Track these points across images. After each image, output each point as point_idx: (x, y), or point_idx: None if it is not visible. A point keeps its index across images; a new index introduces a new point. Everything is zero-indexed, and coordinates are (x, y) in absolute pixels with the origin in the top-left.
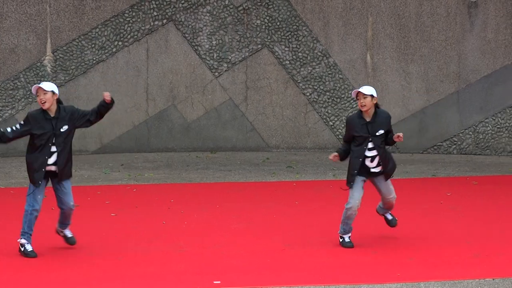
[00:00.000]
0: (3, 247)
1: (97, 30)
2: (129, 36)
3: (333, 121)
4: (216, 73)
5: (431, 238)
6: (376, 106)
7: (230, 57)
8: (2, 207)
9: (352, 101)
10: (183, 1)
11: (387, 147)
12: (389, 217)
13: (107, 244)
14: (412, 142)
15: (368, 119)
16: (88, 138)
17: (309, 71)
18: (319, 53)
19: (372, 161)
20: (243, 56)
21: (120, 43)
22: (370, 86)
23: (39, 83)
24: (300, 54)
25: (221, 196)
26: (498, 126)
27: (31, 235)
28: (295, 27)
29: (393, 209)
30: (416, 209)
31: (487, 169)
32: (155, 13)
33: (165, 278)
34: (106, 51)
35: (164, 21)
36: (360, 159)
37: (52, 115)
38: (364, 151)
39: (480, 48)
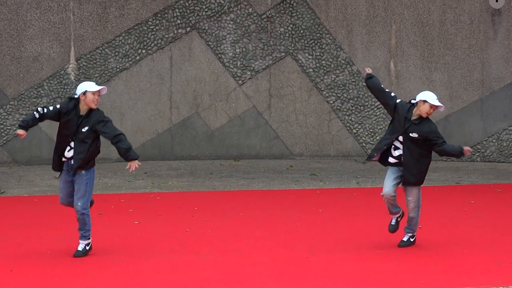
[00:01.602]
0: (27, 254)
1: (121, 38)
2: (152, 44)
3: (357, 129)
4: (240, 81)
5: (455, 246)
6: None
7: (253, 65)
8: (26, 215)
9: (375, 108)
10: (206, 9)
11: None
12: (393, 221)
13: (130, 251)
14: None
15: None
16: (111, 146)
17: (333, 79)
18: (343, 61)
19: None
20: (266, 64)
21: (143, 51)
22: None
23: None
24: (323, 62)
25: (245, 204)
26: None
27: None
28: (318, 35)
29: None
30: (439, 217)
31: (511, 177)
32: (178, 21)
33: (189, 286)
34: (129, 59)
35: (188, 29)
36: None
37: (82, 114)
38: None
39: (503, 56)
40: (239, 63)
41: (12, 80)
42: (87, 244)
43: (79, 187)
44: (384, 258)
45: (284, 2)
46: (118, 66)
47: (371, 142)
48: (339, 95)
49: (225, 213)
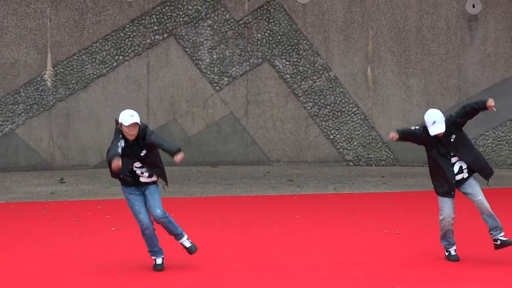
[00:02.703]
0: (2, 262)
1: (98, 44)
2: (129, 51)
3: (334, 135)
4: (217, 87)
5: (434, 252)
6: None
7: (230, 71)
8: (2, 222)
9: (352, 114)
10: (183, 15)
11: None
12: (503, 238)
13: (107, 258)
14: (413, 155)
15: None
16: (88, 153)
17: (310, 85)
18: (320, 67)
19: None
20: (244, 70)
21: (120, 57)
22: (433, 111)
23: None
24: (300, 68)
25: (222, 210)
26: (498, 139)
27: (155, 251)
28: (295, 41)
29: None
30: (417, 222)
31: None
32: (155, 28)
33: None
34: (106, 65)
35: (165, 35)
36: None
37: (130, 140)
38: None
39: (480, 62)
40: (216, 69)
41: None
42: (187, 238)
43: (153, 197)
44: (361, 264)
45: (261, 8)
46: (95, 73)
47: (348, 147)
48: (316, 101)
49: (203, 219)
